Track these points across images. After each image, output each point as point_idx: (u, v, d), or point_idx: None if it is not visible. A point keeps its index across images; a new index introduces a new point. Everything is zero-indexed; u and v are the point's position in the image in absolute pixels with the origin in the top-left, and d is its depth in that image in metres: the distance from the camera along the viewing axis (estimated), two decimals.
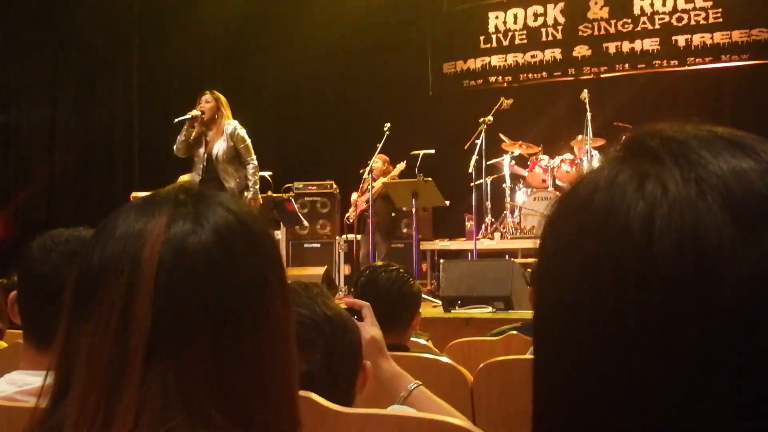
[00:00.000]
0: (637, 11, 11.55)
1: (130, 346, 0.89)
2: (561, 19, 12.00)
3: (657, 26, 11.43)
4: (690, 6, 11.25)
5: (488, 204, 10.13)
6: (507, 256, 9.04)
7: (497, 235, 9.89)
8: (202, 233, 0.95)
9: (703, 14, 11.19)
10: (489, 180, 9.97)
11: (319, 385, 1.62)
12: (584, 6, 11.86)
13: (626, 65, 11.62)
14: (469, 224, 9.76)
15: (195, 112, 7.46)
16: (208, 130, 7.50)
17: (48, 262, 1.88)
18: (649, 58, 11.50)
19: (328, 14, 12.07)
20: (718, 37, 11.09)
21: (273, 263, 1.00)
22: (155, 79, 12.59)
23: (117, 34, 12.37)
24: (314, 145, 12.21)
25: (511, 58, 12.30)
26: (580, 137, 9.84)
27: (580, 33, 11.86)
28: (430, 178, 8.84)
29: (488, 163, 9.56)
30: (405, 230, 10.23)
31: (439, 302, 7.00)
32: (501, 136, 10.10)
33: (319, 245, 10.33)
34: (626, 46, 11.60)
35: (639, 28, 11.53)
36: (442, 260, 7.90)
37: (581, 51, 11.85)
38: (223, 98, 7.59)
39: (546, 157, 10.16)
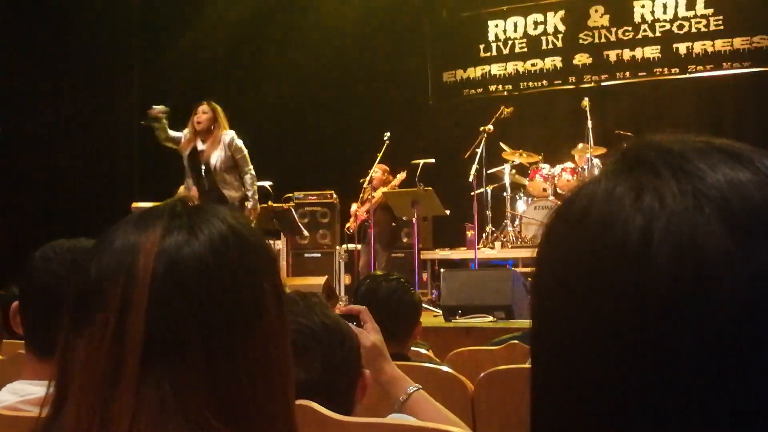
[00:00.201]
0: (637, 19, 11.56)
1: (126, 355, 0.91)
2: (561, 27, 12.01)
3: (658, 34, 11.44)
4: (691, 13, 11.26)
5: (489, 213, 10.12)
6: (508, 265, 9.04)
7: (498, 244, 9.89)
8: (196, 244, 0.96)
9: (704, 22, 11.21)
10: (489, 189, 9.97)
11: (317, 394, 1.63)
12: (585, 14, 11.87)
13: (627, 73, 11.62)
14: (470, 233, 9.75)
15: (159, 109, 7.54)
16: (203, 140, 7.50)
17: (49, 272, 1.88)
18: (650, 66, 11.50)
19: (327, 24, 12.09)
20: (719, 44, 11.10)
21: (268, 274, 1.02)
22: (155, 89, 12.59)
23: (117, 43, 12.37)
24: (314, 155, 12.21)
25: (511, 67, 12.31)
26: (581, 146, 9.84)
27: (581, 41, 11.87)
28: (430, 188, 8.84)
29: (489, 172, 9.57)
30: (405, 240, 10.22)
31: (440, 312, 7.00)
32: (501, 144, 10.09)
33: (319, 255, 10.32)
34: (627, 53, 11.61)
35: (640, 36, 11.54)
36: (442, 269, 7.91)
37: (582, 59, 11.86)
38: (219, 109, 7.59)
39: (547, 166, 10.15)
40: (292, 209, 9.47)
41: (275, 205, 9.13)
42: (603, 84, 11.72)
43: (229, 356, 0.94)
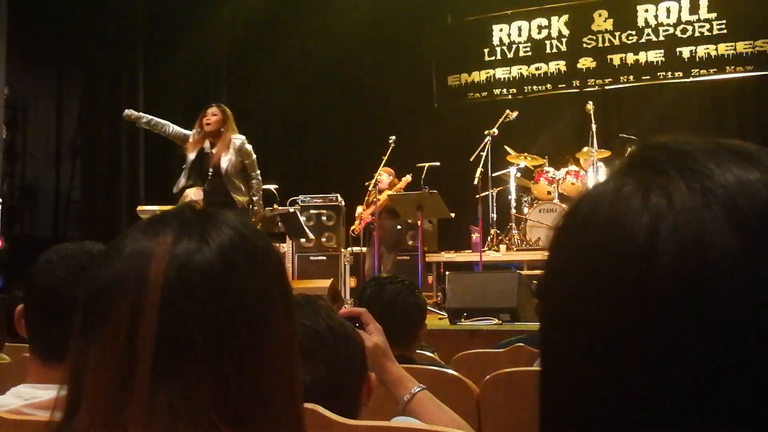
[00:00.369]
0: (641, 23, 11.57)
1: (137, 362, 0.91)
2: (565, 32, 12.03)
3: (661, 38, 11.45)
4: (694, 18, 11.27)
5: (494, 216, 10.12)
6: (513, 268, 9.03)
7: (503, 246, 9.89)
8: (207, 251, 0.96)
9: (708, 26, 11.21)
10: (494, 192, 9.98)
11: (322, 396, 1.62)
12: (588, 18, 11.89)
13: (631, 77, 11.63)
14: (475, 236, 9.75)
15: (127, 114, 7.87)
16: (212, 142, 7.46)
17: (54, 276, 1.88)
18: (653, 70, 11.51)
19: (332, 28, 12.10)
20: (723, 48, 11.11)
21: (277, 280, 1.02)
22: (160, 93, 12.61)
23: (122, 48, 12.40)
24: (319, 158, 12.22)
25: (515, 71, 12.33)
26: (585, 149, 9.84)
27: (585, 45, 11.88)
28: (435, 191, 8.84)
29: (494, 175, 9.57)
30: (410, 242, 10.22)
31: (445, 314, 7.00)
32: (506, 148, 10.11)
33: (324, 258, 10.31)
34: (631, 57, 11.62)
35: (643, 40, 11.55)
36: (447, 272, 7.90)
37: (586, 63, 11.87)
38: (229, 111, 7.56)
39: (551, 169, 10.16)
40: (298, 212, 9.48)
41: (281, 208, 9.13)
42: (607, 88, 11.74)
43: (238, 361, 0.94)
